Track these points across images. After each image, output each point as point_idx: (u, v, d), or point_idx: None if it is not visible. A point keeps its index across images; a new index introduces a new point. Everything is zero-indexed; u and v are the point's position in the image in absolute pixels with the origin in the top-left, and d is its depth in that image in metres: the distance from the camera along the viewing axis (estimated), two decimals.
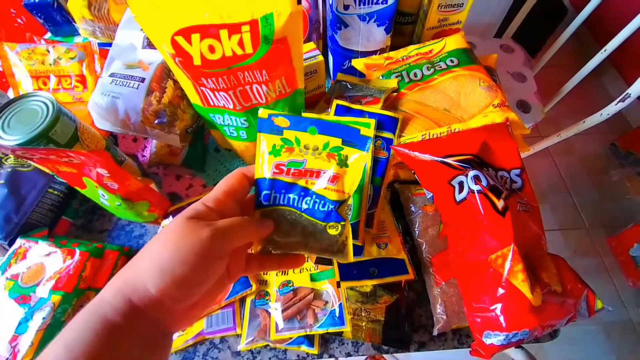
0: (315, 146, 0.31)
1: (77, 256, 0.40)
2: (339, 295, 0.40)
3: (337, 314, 0.39)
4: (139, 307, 0.22)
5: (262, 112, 0.31)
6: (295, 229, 0.30)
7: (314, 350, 0.39)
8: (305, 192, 0.30)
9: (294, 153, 0.30)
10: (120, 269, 0.44)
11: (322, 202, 0.30)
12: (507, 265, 0.32)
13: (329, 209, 0.30)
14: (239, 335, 0.40)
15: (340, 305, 0.40)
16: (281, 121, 0.31)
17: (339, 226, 0.30)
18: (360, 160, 0.31)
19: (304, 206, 0.30)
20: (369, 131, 0.32)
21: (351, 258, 0.30)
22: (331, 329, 0.39)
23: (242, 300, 0.42)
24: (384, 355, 0.68)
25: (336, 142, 0.31)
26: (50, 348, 0.21)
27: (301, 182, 0.30)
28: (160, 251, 0.23)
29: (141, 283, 0.22)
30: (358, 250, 0.41)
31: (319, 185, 0.30)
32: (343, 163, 0.31)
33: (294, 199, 0.30)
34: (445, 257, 0.41)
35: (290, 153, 0.30)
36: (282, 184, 0.30)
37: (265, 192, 0.30)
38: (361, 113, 0.44)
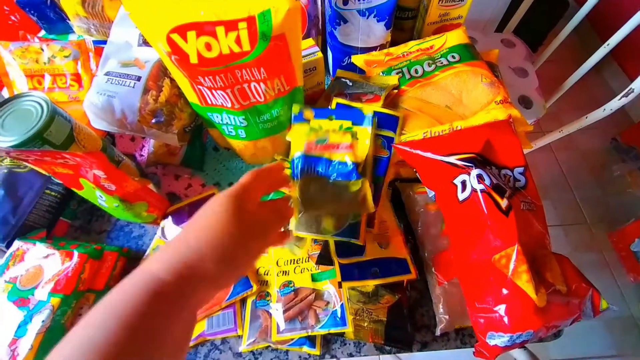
0: (334, 128, 0.40)
1: (75, 258, 0.40)
2: (341, 295, 0.40)
3: (339, 315, 0.39)
4: (194, 283, 0.24)
5: (295, 107, 0.41)
6: (325, 191, 0.38)
7: (316, 351, 0.39)
8: (329, 162, 0.38)
9: (319, 134, 0.39)
10: (120, 270, 0.44)
11: (344, 165, 0.38)
12: (511, 265, 0.32)
13: (350, 169, 0.37)
14: (240, 337, 0.40)
15: (341, 305, 0.39)
16: (308, 113, 0.40)
17: (359, 182, 0.37)
18: (364, 135, 0.39)
19: (330, 172, 0.38)
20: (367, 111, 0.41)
21: (372, 208, 0.37)
22: (333, 330, 0.38)
23: (243, 301, 0.42)
24: (387, 356, 0.68)
25: (347, 123, 0.40)
26: (93, 312, 0.21)
27: (326, 155, 0.38)
28: (209, 234, 0.25)
29: (198, 262, 0.24)
30: (359, 251, 0.40)
31: (341, 152, 0.38)
32: (354, 136, 0.39)
33: (322, 168, 0.38)
34: (447, 257, 0.41)
35: (316, 134, 0.39)
36: (312, 158, 0.38)
37: (299, 165, 0.38)
38: (361, 112, 0.43)
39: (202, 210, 0.27)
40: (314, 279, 0.41)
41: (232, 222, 0.26)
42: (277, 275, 0.42)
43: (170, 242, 0.26)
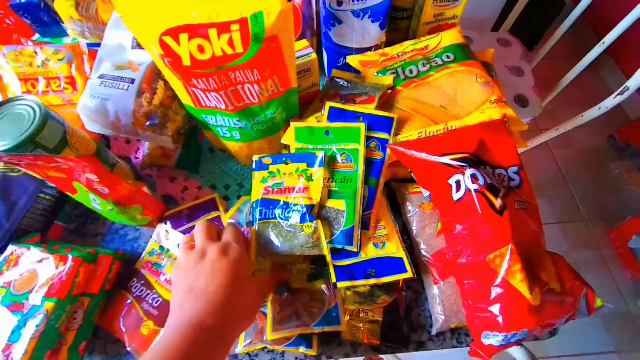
0: (290, 172, 0.42)
1: (69, 262, 0.40)
2: (335, 295, 0.40)
3: (333, 314, 0.39)
4: (200, 342, 0.29)
5: (255, 157, 0.43)
6: (281, 235, 0.39)
7: (312, 352, 0.39)
8: (286, 205, 0.40)
9: (275, 179, 0.42)
10: (115, 273, 0.44)
11: (297, 207, 0.39)
12: (505, 264, 0.32)
13: (303, 211, 0.39)
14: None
15: (336, 304, 0.39)
16: (266, 160, 0.43)
17: (312, 225, 0.39)
18: (318, 176, 0.41)
19: (286, 214, 0.39)
20: (319, 152, 0.42)
21: (326, 252, 0.39)
22: (327, 328, 0.38)
23: None
24: (383, 356, 0.68)
25: (302, 165, 0.41)
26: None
27: (282, 198, 0.40)
28: (239, 299, 0.33)
29: (196, 317, 0.30)
30: (353, 253, 0.40)
31: (294, 195, 0.40)
32: (309, 179, 0.41)
33: (278, 211, 0.40)
34: (443, 256, 0.41)
35: (273, 179, 0.42)
36: (269, 201, 0.40)
37: (258, 208, 0.40)
38: (354, 114, 0.43)
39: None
40: (309, 278, 0.41)
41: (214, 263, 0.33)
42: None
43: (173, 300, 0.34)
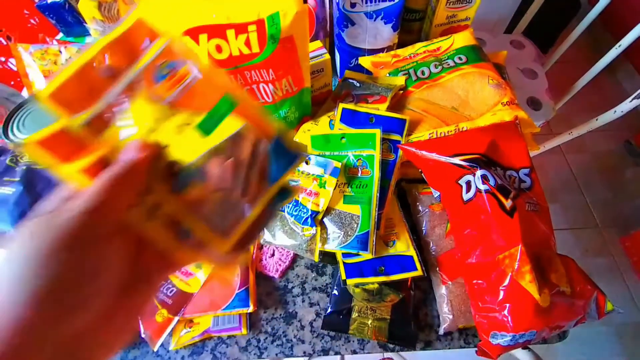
0: (307, 173, 0.42)
1: None
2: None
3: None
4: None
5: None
6: (283, 229, 0.41)
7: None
8: (296, 202, 0.41)
9: (294, 175, 0.42)
10: None
11: (304, 210, 0.41)
12: (515, 265, 0.32)
13: (307, 215, 0.40)
14: (244, 335, 0.41)
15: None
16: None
17: (311, 230, 0.40)
18: (331, 184, 0.41)
19: (293, 212, 0.41)
20: (337, 164, 0.42)
21: (316, 259, 0.41)
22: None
23: None
24: (391, 354, 0.68)
25: (320, 170, 0.42)
26: None
27: (296, 196, 0.41)
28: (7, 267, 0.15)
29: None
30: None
31: (303, 196, 0.41)
32: (322, 185, 0.41)
33: (287, 205, 0.42)
34: (452, 257, 0.41)
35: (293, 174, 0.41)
36: None
37: None
38: (367, 117, 0.44)
39: None
40: (205, 128, 0.20)
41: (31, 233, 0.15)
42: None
43: None
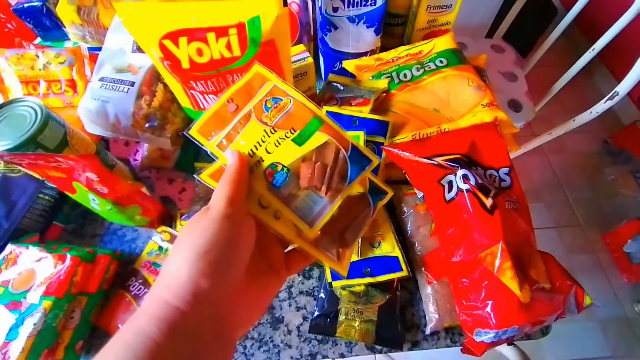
0: None
1: (68, 261, 0.40)
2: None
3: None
4: (177, 308, 0.19)
5: None
6: None
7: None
8: None
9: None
10: (113, 273, 0.43)
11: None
12: (497, 262, 0.32)
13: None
14: None
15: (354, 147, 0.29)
16: None
17: None
18: None
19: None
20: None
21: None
22: (367, 169, 0.29)
23: None
24: (381, 356, 0.68)
25: None
26: None
27: None
28: (179, 243, 0.22)
29: (174, 275, 0.20)
30: None
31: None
32: None
33: None
34: (437, 256, 0.42)
35: None
36: None
37: None
38: (350, 119, 0.44)
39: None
40: (298, 141, 0.27)
41: (192, 225, 0.22)
42: (255, 167, 0.27)
43: (158, 277, 0.22)
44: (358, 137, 0.42)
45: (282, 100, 0.27)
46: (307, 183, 0.26)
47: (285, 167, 0.26)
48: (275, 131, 0.27)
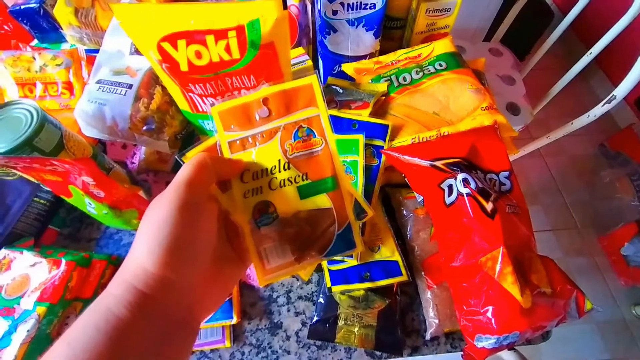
0: None
1: (63, 266, 0.39)
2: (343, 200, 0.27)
3: (347, 236, 0.27)
4: (145, 293, 0.20)
5: None
6: None
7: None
8: None
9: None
10: (109, 278, 0.43)
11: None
12: (497, 267, 0.32)
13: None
14: (228, 348, 0.40)
15: (348, 224, 0.26)
16: None
17: None
18: None
19: None
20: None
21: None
22: (344, 254, 0.27)
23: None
24: None
25: None
26: (53, 347, 0.19)
27: None
28: (143, 229, 0.21)
29: (139, 264, 0.20)
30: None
31: None
32: None
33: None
34: (437, 261, 0.41)
35: None
36: None
37: None
38: (350, 122, 0.44)
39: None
40: (302, 194, 0.25)
41: (155, 204, 0.22)
42: (244, 197, 0.25)
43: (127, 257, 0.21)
44: (357, 141, 0.42)
45: (315, 137, 0.25)
46: (284, 238, 0.25)
47: (277, 213, 0.25)
48: (289, 168, 0.25)
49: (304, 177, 0.25)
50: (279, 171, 0.25)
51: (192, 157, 0.23)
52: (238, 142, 0.25)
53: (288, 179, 0.25)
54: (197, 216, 0.22)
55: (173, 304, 0.21)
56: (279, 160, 0.25)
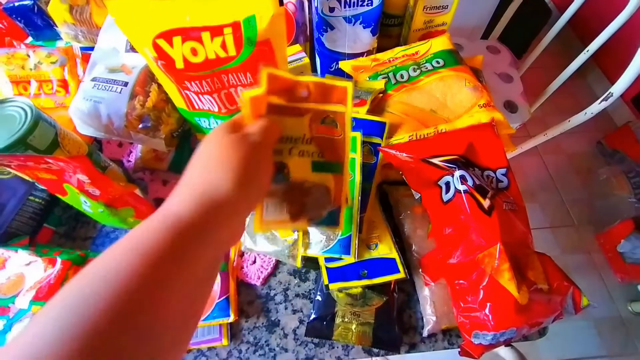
0: None
1: (58, 265, 0.39)
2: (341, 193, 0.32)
3: (334, 214, 0.32)
4: (217, 211, 0.23)
5: None
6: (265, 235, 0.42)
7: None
8: None
9: None
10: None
11: None
12: (494, 263, 0.32)
13: None
14: (225, 346, 0.40)
15: (338, 208, 0.32)
16: None
17: (293, 236, 0.41)
18: None
19: None
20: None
21: (298, 265, 0.41)
22: (325, 227, 0.37)
23: None
24: (376, 358, 0.67)
25: None
26: (113, 248, 0.20)
27: None
28: (220, 161, 0.24)
29: (217, 187, 0.23)
30: (345, 253, 0.40)
31: None
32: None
33: None
34: (434, 258, 0.41)
35: None
36: None
37: None
38: None
39: (204, 146, 0.26)
40: (314, 167, 0.31)
41: (236, 143, 0.25)
42: None
43: (182, 181, 0.25)
44: (354, 139, 0.42)
45: (337, 127, 0.30)
46: (286, 197, 0.30)
47: (289, 175, 0.29)
48: (310, 143, 0.30)
49: (320, 155, 0.30)
50: (302, 143, 0.30)
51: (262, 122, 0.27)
52: (275, 108, 0.28)
53: (307, 152, 0.30)
54: (264, 166, 0.26)
55: (243, 204, 0.25)
56: (304, 135, 0.29)
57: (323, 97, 0.29)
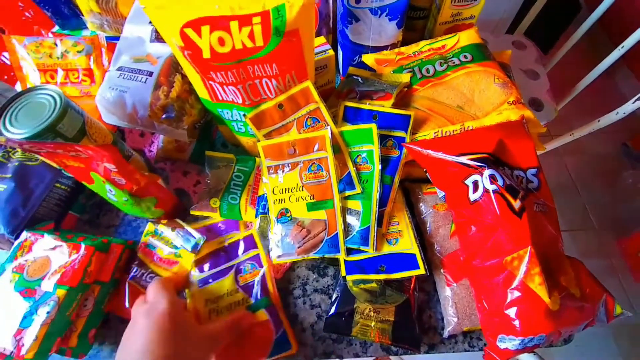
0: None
1: (82, 250, 0.40)
2: (335, 223, 0.39)
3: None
4: None
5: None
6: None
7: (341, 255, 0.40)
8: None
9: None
10: (125, 261, 0.44)
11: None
12: (524, 267, 0.31)
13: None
14: None
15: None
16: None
17: None
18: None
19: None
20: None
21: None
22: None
23: None
24: (392, 357, 0.67)
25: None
26: None
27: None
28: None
29: None
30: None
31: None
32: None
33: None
34: (456, 258, 0.40)
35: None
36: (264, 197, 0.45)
37: (262, 203, 0.44)
38: (370, 113, 0.43)
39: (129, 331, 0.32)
40: (309, 207, 0.40)
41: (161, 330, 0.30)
42: (274, 203, 0.41)
43: None
44: (370, 130, 0.41)
45: (323, 171, 0.40)
46: (292, 239, 0.39)
47: (292, 216, 0.40)
48: (302, 190, 0.40)
49: (312, 197, 0.40)
50: (297, 190, 0.40)
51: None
52: (273, 167, 0.41)
53: (301, 197, 0.40)
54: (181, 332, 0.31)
55: None
56: (297, 184, 0.40)
57: (307, 149, 0.39)
